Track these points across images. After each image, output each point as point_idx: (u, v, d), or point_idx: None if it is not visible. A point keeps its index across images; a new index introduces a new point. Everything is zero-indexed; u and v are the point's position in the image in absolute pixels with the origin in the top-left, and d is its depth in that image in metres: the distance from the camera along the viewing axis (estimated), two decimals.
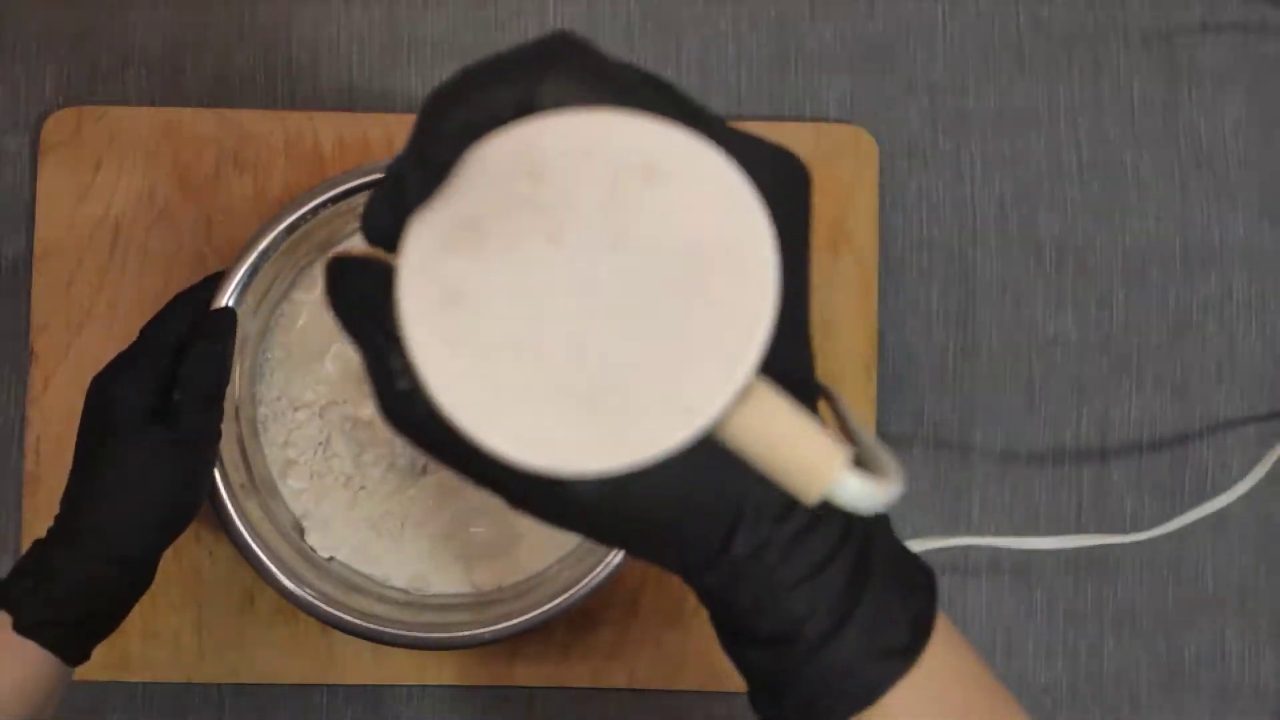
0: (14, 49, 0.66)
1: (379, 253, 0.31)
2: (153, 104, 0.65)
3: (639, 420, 0.29)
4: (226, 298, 0.57)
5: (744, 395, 0.29)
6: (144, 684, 0.64)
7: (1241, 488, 0.62)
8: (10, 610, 0.49)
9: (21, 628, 0.49)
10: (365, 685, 0.64)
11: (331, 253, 0.32)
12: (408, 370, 0.30)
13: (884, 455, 0.32)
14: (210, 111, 0.65)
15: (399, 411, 0.31)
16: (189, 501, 0.54)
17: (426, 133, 0.30)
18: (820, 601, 0.32)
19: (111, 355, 0.54)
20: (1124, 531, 0.63)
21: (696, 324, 0.28)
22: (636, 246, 0.28)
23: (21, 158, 0.65)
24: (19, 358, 0.64)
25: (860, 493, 0.30)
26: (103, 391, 0.53)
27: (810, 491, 0.30)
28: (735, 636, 0.34)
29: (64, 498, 0.52)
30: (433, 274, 0.29)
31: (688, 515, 0.31)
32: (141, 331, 0.54)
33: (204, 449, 0.55)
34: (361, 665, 0.63)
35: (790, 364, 0.31)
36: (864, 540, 0.33)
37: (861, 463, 0.32)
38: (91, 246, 0.64)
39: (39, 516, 0.63)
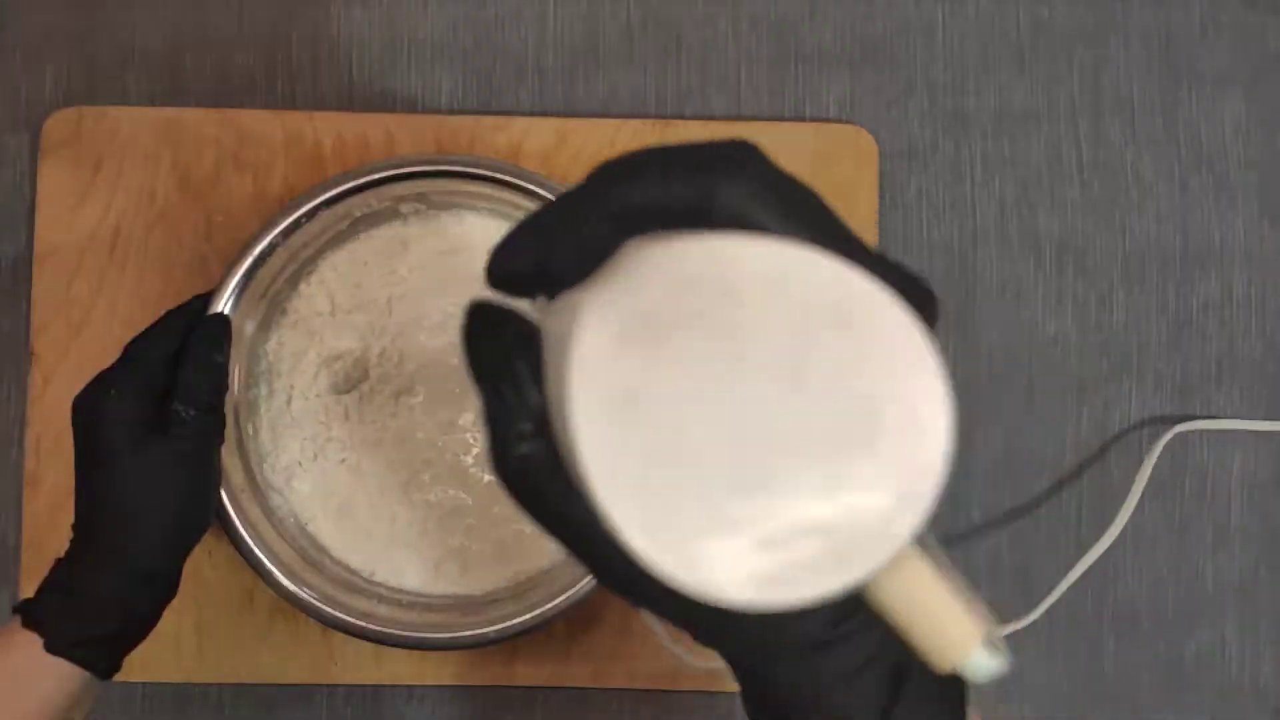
0: (14, 49, 0.66)
1: (522, 305, 0.31)
2: (153, 104, 0.65)
3: (796, 565, 0.28)
4: (223, 303, 0.57)
5: (896, 561, 0.29)
6: (144, 684, 0.64)
7: (1122, 517, 0.64)
8: (40, 632, 0.50)
9: (53, 648, 0.49)
10: (365, 685, 0.64)
11: (473, 299, 0.32)
12: (533, 436, 0.30)
13: (993, 627, 0.33)
14: (210, 111, 0.65)
15: (517, 475, 0.31)
16: (202, 509, 0.55)
17: (591, 202, 0.30)
18: (860, 698, 0.33)
19: (112, 356, 0.54)
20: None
21: (860, 481, 0.28)
22: (816, 389, 0.28)
23: (21, 158, 0.65)
24: (19, 358, 0.64)
25: (984, 669, 0.31)
26: (93, 409, 0.52)
27: (943, 664, 0.31)
28: (770, 717, 0.35)
29: (76, 516, 0.52)
30: (607, 368, 0.28)
31: (787, 623, 0.32)
32: (126, 348, 0.54)
33: (208, 457, 0.55)
34: (361, 665, 0.63)
35: None
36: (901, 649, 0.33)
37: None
38: (91, 246, 0.64)
39: (39, 516, 0.63)
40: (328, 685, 0.64)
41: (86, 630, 0.50)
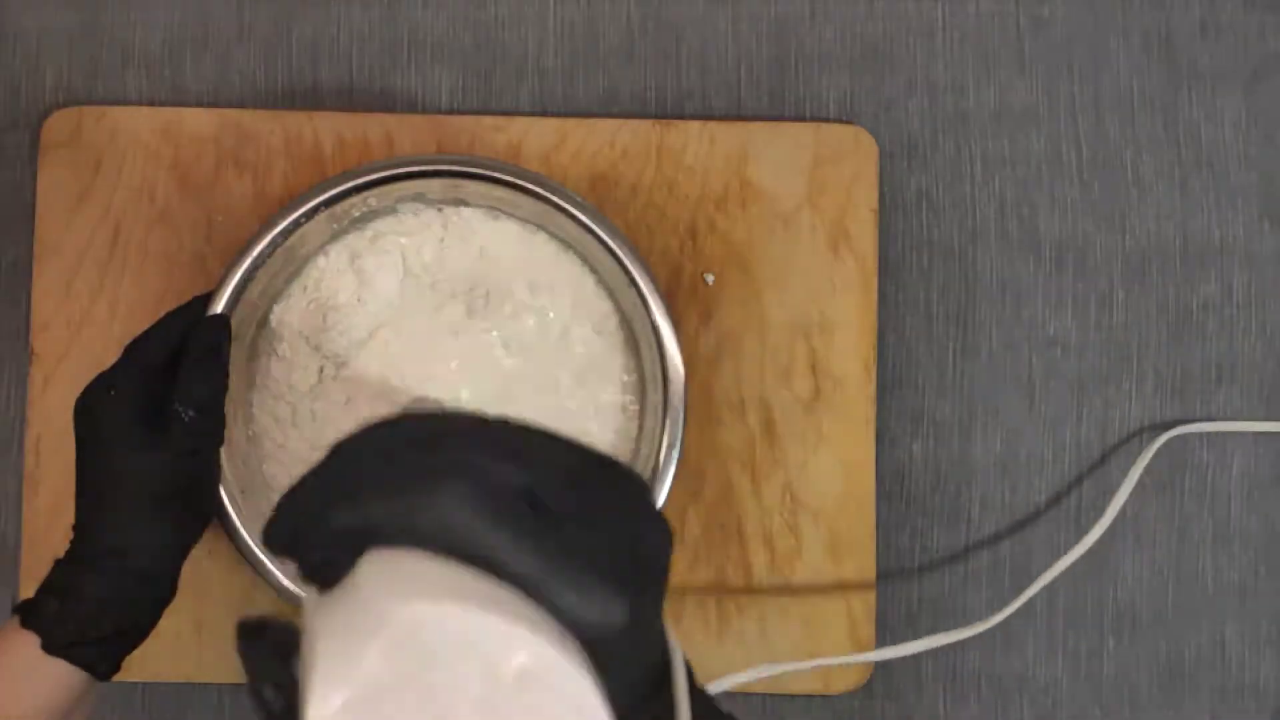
0: (14, 49, 0.66)
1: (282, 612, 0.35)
2: (153, 104, 0.65)
3: None
4: (223, 303, 0.57)
5: None
6: (144, 684, 0.64)
7: (1094, 534, 0.63)
8: (38, 632, 0.49)
9: (51, 648, 0.49)
10: None
11: (240, 615, 0.36)
12: None
13: None
14: (210, 111, 0.65)
15: None
16: (201, 510, 0.55)
17: (316, 526, 0.35)
18: None
19: (112, 356, 0.54)
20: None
21: None
22: None
23: (21, 158, 0.65)
24: (19, 358, 0.64)
25: None
26: (93, 409, 0.52)
27: None
28: None
29: (76, 517, 0.52)
30: None
31: None
32: (126, 348, 0.54)
33: (208, 457, 0.55)
34: None
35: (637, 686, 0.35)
36: None
37: None
38: (91, 246, 0.64)
39: (39, 516, 0.63)
40: None
41: (85, 631, 0.50)
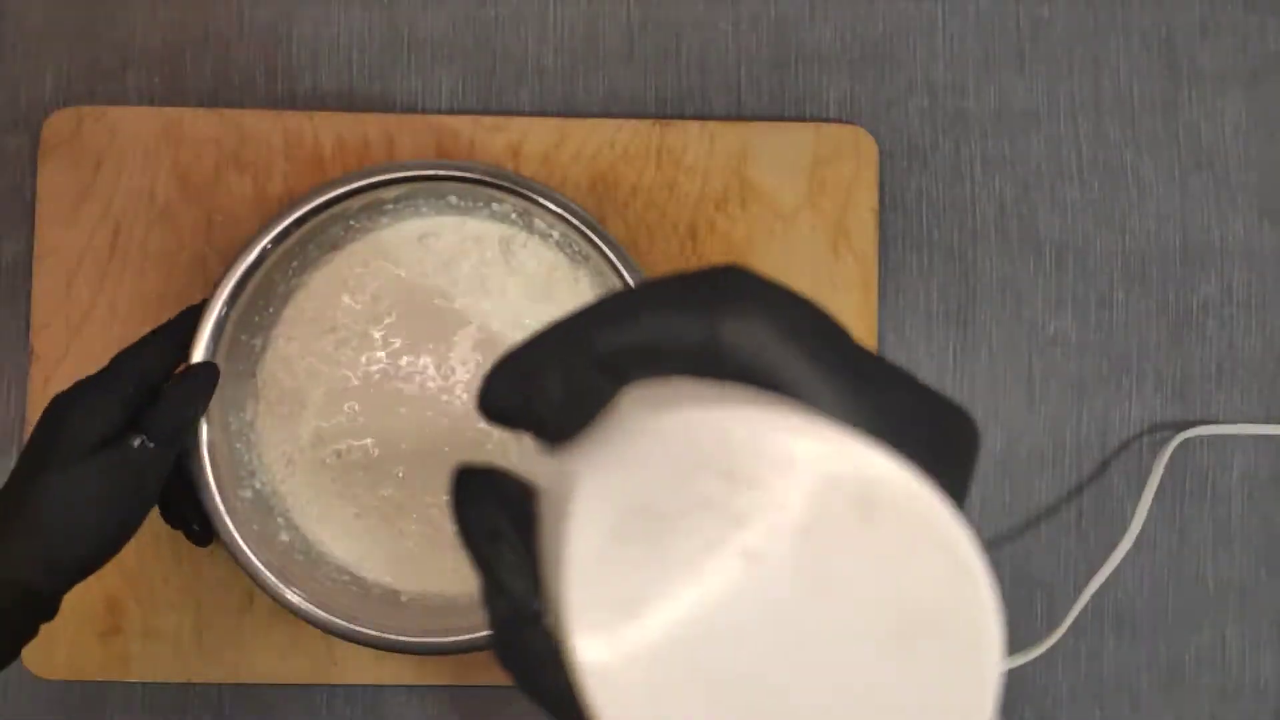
0: (14, 49, 0.66)
1: (504, 465, 0.29)
2: (153, 104, 0.65)
3: None
4: (218, 307, 0.56)
5: None
6: (144, 684, 0.64)
7: (1124, 546, 0.63)
8: None
9: None
10: (365, 685, 0.64)
11: (459, 464, 0.29)
12: (529, 619, 0.28)
13: None
14: (210, 111, 0.65)
15: (512, 646, 0.29)
16: (116, 542, 0.52)
17: (577, 346, 0.28)
18: None
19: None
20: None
21: (901, 698, 0.24)
22: (841, 589, 0.24)
23: (21, 158, 0.65)
24: (19, 358, 0.64)
25: None
26: (59, 414, 0.50)
27: None
28: None
29: None
30: (605, 570, 0.25)
31: None
32: (113, 359, 0.53)
33: (148, 492, 0.52)
34: (361, 665, 0.63)
35: None
36: None
37: None
38: (91, 246, 0.64)
39: None
40: (328, 685, 0.64)
41: None
